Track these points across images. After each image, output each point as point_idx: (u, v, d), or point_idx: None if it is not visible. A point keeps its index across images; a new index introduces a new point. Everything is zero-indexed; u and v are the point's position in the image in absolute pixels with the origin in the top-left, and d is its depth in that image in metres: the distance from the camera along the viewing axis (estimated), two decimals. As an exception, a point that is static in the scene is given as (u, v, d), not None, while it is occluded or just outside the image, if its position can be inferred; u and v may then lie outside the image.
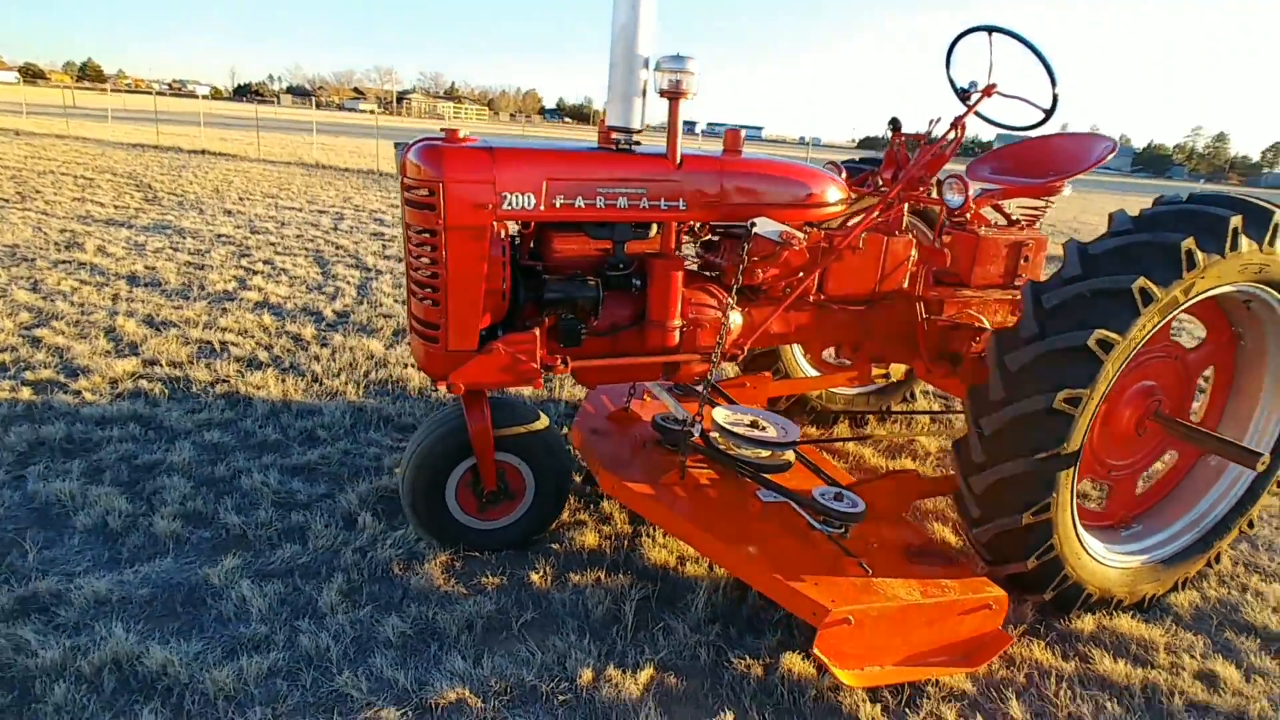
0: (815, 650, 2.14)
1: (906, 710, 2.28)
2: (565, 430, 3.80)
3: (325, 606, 2.51)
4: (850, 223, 3.43)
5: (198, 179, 14.12)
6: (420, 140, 2.49)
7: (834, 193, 2.98)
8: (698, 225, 2.96)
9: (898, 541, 2.70)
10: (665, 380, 3.10)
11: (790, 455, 2.95)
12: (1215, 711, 2.39)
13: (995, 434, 2.54)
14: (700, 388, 3.35)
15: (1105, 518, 3.09)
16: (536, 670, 2.29)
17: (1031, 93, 3.21)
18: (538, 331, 2.63)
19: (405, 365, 4.88)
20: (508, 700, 2.18)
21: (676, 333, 2.81)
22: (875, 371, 4.33)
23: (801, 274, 3.05)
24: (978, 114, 3.30)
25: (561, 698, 2.20)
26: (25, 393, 4.00)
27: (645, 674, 2.31)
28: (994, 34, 3.24)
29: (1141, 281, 2.38)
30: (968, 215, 3.30)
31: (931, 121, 3.43)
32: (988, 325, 3.31)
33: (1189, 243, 2.42)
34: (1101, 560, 2.79)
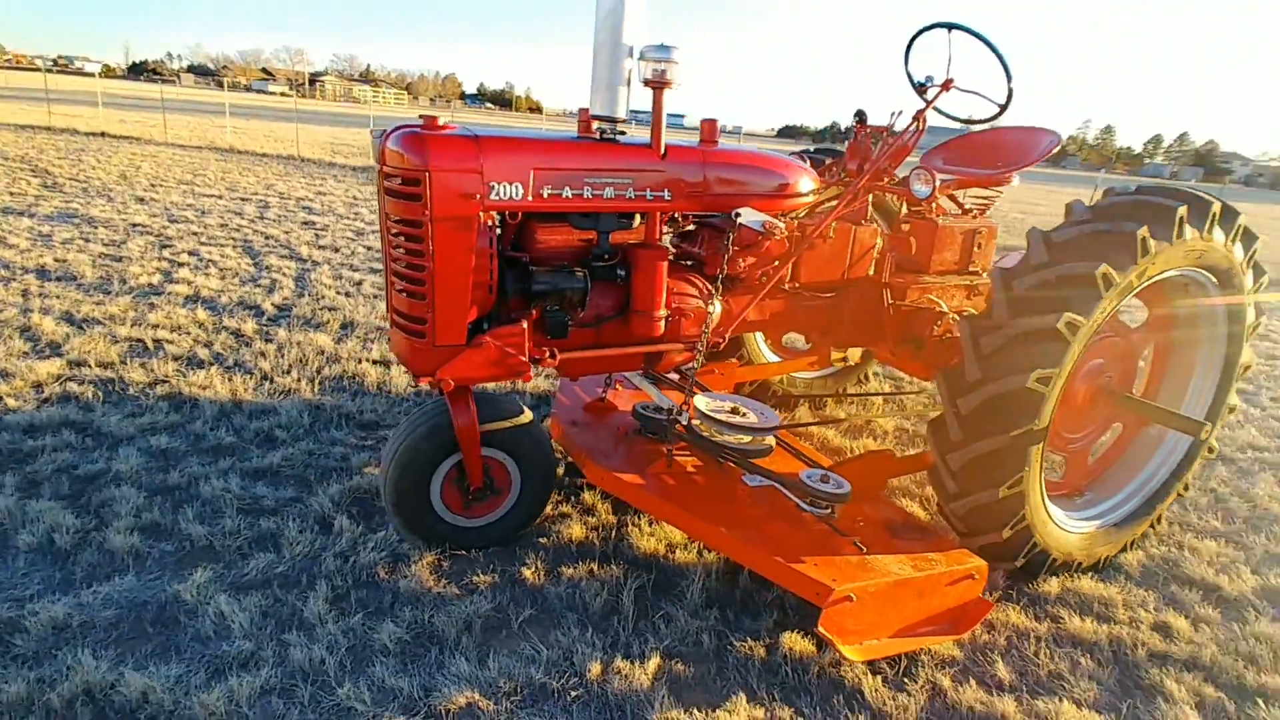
0: (820, 629, 2.20)
1: (905, 680, 2.38)
2: (544, 421, 3.75)
3: (313, 617, 2.40)
4: (820, 211, 3.51)
5: (101, 164, 13.07)
6: (400, 127, 2.39)
7: (807, 183, 3.05)
8: (680, 215, 2.96)
9: (880, 519, 2.79)
10: (646, 370, 3.10)
11: (771, 440, 3.01)
12: (1173, 659, 2.60)
13: (972, 413, 2.67)
14: (687, 375, 3.38)
15: (1063, 487, 3.29)
16: (544, 667, 2.27)
17: (986, 87, 3.35)
18: (525, 324, 2.58)
19: (359, 360, 4.70)
20: (519, 700, 2.15)
21: (662, 322, 2.82)
22: (834, 355, 4.47)
23: (778, 263, 3.10)
24: (936, 109, 3.42)
25: (573, 693, 2.19)
26: (-64, 402, 3.64)
27: (653, 663, 2.33)
28: (952, 30, 3.36)
29: (1104, 268, 2.54)
30: (934, 205, 3.43)
31: (893, 114, 3.54)
32: (947, 309, 3.46)
33: (1144, 231, 2.59)
34: (1063, 527, 2.98)
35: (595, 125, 2.67)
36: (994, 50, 3.25)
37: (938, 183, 3.19)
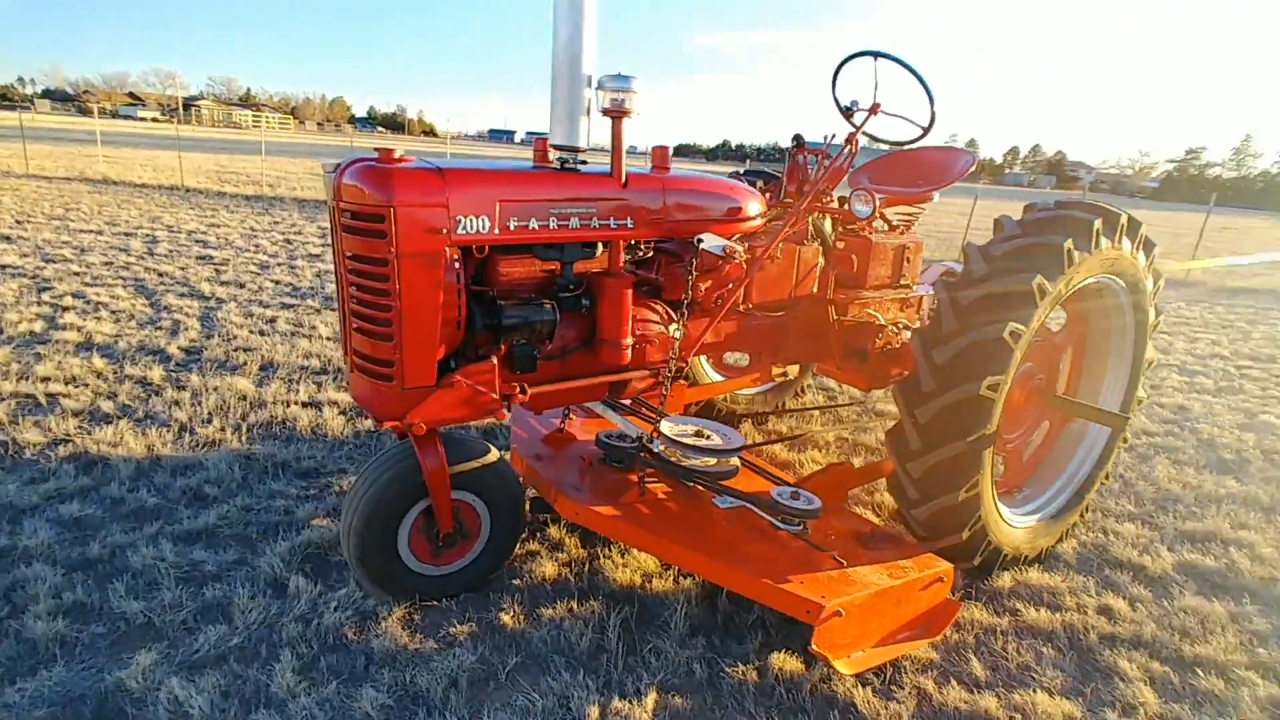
0: (814, 647, 2.23)
1: (892, 688, 2.44)
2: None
3: (281, 691, 2.21)
4: (766, 233, 3.61)
5: (-51, 199, 11.76)
6: (356, 161, 2.28)
7: (756, 206, 3.13)
8: (641, 243, 2.97)
9: (849, 531, 2.87)
10: (610, 398, 3.07)
11: (737, 460, 3.05)
12: (1120, 639, 2.81)
13: (930, 422, 2.80)
14: (645, 402, 3.36)
15: (1005, 485, 3.50)
16: (541, 717, 2.18)
17: (908, 110, 3.56)
18: (495, 360, 2.51)
19: (287, 403, 4.41)
20: (520, 754, 2.06)
21: (628, 351, 2.81)
22: (775, 370, 4.59)
23: (733, 285, 3.16)
24: (865, 133, 3.60)
25: (576, 740, 2.12)
26: None
27: (650, 700, 2.29)
28: (878, 58, 3.55)
29: (1039, 279, 2.74)
30: (873, 224, 3.59)
31: (827, 138, 3.70)
32: (884, 322, 3.64)
33: (1069, 243, 2.81)
34: (1011, 523, 3.16)
35: (554, 155, 2.65)
36: (916, 75, 3.46)
37: (877, 202, 3.35)
